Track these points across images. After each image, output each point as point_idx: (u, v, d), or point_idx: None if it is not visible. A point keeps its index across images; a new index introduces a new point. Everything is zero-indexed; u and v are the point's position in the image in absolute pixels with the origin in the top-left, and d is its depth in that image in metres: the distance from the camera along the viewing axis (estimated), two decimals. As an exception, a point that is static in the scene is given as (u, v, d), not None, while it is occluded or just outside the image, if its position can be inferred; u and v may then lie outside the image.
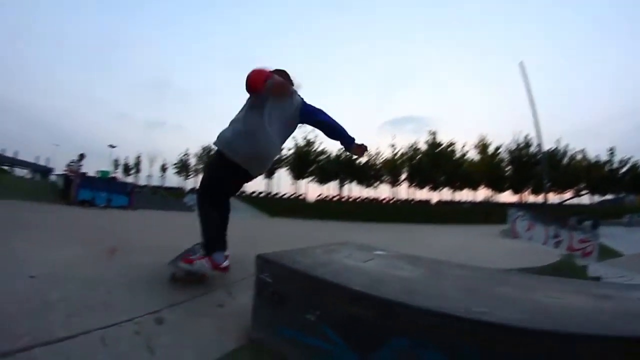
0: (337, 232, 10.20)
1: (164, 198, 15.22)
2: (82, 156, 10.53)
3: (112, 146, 31.12)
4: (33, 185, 13.98)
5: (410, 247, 5.72)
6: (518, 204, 26.25)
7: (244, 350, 1.63)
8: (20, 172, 29.78)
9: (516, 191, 33.59)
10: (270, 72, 1.72)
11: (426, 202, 31.42)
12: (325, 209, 18.88)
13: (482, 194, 35.53)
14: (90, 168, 13.41)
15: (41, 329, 1.72)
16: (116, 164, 40.57)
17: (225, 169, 1.92)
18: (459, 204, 31.93)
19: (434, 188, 31.57)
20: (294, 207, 18.81)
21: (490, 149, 32.63)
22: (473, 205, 30.20)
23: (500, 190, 33.70)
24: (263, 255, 1.96)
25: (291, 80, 1.90)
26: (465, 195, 34.63)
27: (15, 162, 30.40)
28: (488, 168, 30.99)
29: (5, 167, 26.12)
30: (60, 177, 11.90)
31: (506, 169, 32.11)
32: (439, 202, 31.65)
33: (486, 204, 29.93)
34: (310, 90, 2.07)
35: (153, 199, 15.63)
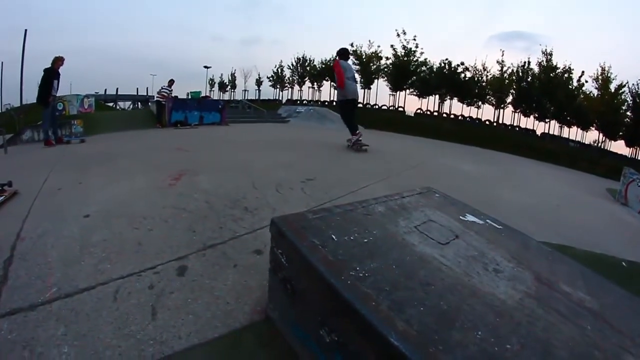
0: (431, 153, 9.01)
1: (257, 110, 17.10)
2: (171, 82, 12.38)
3: (206, 67, 38.60)
4: (132, 114, 17.51)
5: (509, 189, 5.32)
6: (634, 161, 22.63)
7: (252, 330, 1.17)
8: (123, 105, 39.66)
9: (631, 143, 28.37)
10: (340, 69, 5.97)
11: (530, 132, 28.83)
12: (423, 125, 17.64)
13: (591, 136, 33.84)
14: (188, 89, 15.76)
15: (69, 278, 1.85)
16: (212, 82, 46.24)
17: (349, 102, 6.08)
18: (566, 141, 28.69)
19: (541, 118, 29.90)
20: (391, 119, 18.35)
21: (612, 86, 28.31)
22: (580, 146, 26.85)
23: (613, 137, 29.24)
24: (278, 221, 1.34)
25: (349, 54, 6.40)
26: (573, 133, 32.02)
27: (117, 98, 37.78)
28: (607, 108, 27.48)
29: (110, 104, 33.83)
30: (153, 104, 13.59)
31: (626, 115, 27.87)
32: (544, 135, 28.89)
33: (595, 149, 26.67)
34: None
35: (247, 113, 17.24)
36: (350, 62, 6.62)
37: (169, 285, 1.76)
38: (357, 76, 7.15)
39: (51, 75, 6.44)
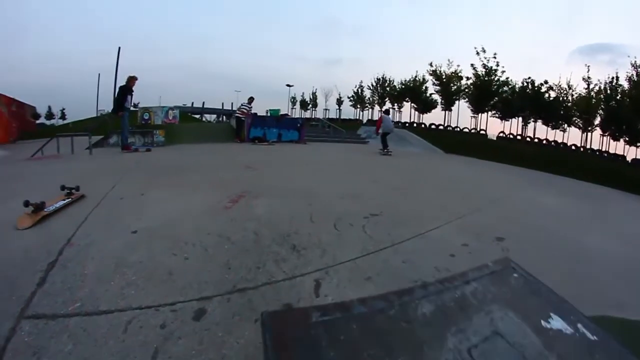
0: (514, 183, 8.39)
1: (336, 130, 18.60)
2: (251, 99, 14.06)
3: (289, 85, 46.38)
4: (213, 127, 20.21)
5: (599, 234, 4.55)
6: None
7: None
8: (209, 118, 48.70)
9: None
10: (380, 122, 13.06)
11: (620, 158, 28.46)
12: (505, 149, 17.43)
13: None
14: (268, 106, 18.27)
15: (94, 297, 2.12)
16: (293, 101, 54.68)
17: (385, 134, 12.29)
18: (661, 171, 24.65)
19: (632, 142, 29.48)
20: (472, 143, 18.25)
21: None
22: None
23: None
24: (267, 319, 1.27)
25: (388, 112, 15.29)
26: (670, 160, 28.17)
27: (204, 111, 48.42)
28: None
29: (196, 116, 41.32)
30: (232, 119, 16.17)
31: None
32: (636, 161, 27.40)
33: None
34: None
35: (327, 132, 19.31)
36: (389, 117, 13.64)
37: (181, 329, 1.82)
38: (392, 125, 12.97)
39: (125, 91, 8.56)
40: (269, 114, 17.13)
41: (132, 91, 8.92)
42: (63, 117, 56.35)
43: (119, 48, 14.97)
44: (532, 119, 36.05)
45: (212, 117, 49.31)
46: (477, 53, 33.88)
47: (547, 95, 33.62)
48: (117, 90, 8.97)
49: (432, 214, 4.10)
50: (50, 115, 56.25)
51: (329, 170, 7.31)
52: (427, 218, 3.89)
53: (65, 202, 3.85)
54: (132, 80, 8.92)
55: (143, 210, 3.76)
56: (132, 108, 9.42)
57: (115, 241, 2.92)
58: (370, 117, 45.90)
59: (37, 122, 26.82)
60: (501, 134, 30.12)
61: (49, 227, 3.24)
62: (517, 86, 34.96)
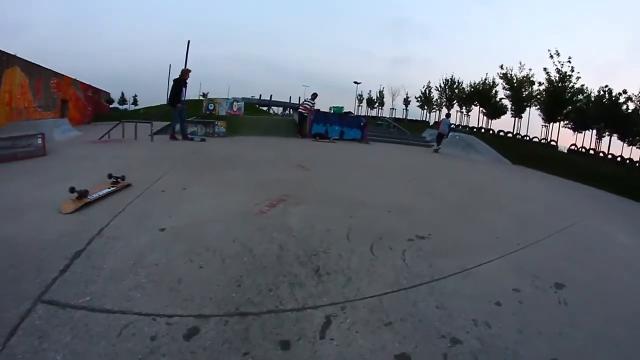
0: (585, 208, 7.43)
1: (401, 131, 20.13)
2: (314, 95, 15.00)
3: (356, 82, 50.43)
4: (276, 121, 20.58)
5: None
6: None
7: None
8: (276, 110, 53.49)
9: None
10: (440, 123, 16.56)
11: None
12: (576, 165, 16.44)
13: None
14: (335, 102, 19.67)
15: (103, 293, 2.41)
16: (360, 98, 61.93)
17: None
18: None
19: None
20: (541, 155, 17.62)
21: None
22: None
23: None
24: None
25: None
26: None
27: (271, 103, 54.55)
28: None
29: (264, 108, 43.38)
30: (295, 114, 17.58)
31: None
32: None
33: None
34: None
35: (391, 132, 20.21)
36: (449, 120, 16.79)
37: (168, 345, 1.97)
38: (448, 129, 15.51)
39: (180, 84, 9.72)
40: (332, 111, 18.11)
41: (186, 84, 10.05)
42: (135, 102, 64.42)
43: (189, 41, 16.77)
44: (607, 133, 36.23)
45: (279, 110, 53.28)
46: (551, 56, 34.43)
47: (625, 106, 33.46)
48: (172, 82, 10.11)
49: (485, 242, 3.91)
50: (123, 100, 64.80)
51: (383, 176, 7.34)
52: (479, 247, 3.70)
53: (109, 190, 4.38)
54: (185, 73, 10.10)
55: (178, 206, 4.13)
56: (185, 98, 10.48)
57: (141, 238, 3.25)
58: (437, 119, 47.24)
59: (111, 106, 30.98)
60: (573, 147, 29.94)
61: (88, 214, 3.73)
62: (592, 95, 35.31)
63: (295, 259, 3.08)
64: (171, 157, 7.22)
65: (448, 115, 17.78)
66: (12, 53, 13.10)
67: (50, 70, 16.11)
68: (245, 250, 3.16)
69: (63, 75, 17.41)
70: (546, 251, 3.93)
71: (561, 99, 35.26)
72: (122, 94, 65.65)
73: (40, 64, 15.14)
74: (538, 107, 38.58)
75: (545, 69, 35.39)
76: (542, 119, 38.68)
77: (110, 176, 4.69)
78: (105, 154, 7.41)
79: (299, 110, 15.55)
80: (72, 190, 3.95)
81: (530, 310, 2.59)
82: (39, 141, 7.01)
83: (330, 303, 2.49)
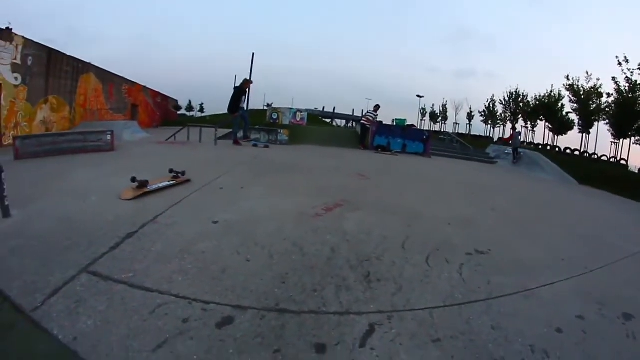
0: None
1: (464, 146, 20.02)
2: (377, 107, 15.31)
3: (419, 96, 51.13)
4: (338, 132, 22.72)
5: None
6: None
7: None
8: (338, 122, 54.91)
9: None
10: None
11: None
12: None
13: None
14: (397, 116, 19.94)
15: (146, 273, 2.56)
16: (423, 112, 61.67)
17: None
18: None
19: None
20: (610, 175, 16.28)
21: None
22: None
23: None
24: None
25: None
26: None
27: (334, 115, 56.73)
28: None
29: (327, 120, 44.87)
30: (357, 126, 17.85)
31: None
32: None
33: None
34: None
35: (454, 147, 20.09)
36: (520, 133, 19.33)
37: (198, 330, 1.99)
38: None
39: (240, 93, 10.66)
40: (395, 123, 18.52)
41: (247, 93, 11.01)
42: (202, 110, 69.70)
43: (253, 53, 18.02)
44: None
45: (341, 122, 55.06)
46: (619, 63, 32.41)
47: None
48: (233, 91, 10.95)
49: (549, 262, 3.63)
50: (190, 107, 70.24)
51: (444, 189, 7.18)
52: (542, 268, 3.44)
53: (168, 183, 4.65)
54: (246, 83, 11.05)
55: (235, 203, 4.29)
56: (249, 107, 11.33)
57: (193, 227, 3.41)
58: (501, 135, 46.45)
59: (179, 113, 33.75)
60: None
61: (146, 203, 3.99)
62: None
63: (346, 262, 3.01)
64: (232, 160, 7.53)
65: (519, 132, 19.06)
66: (87, 61, 14.88)
67: (122, 77, 18.08)
68: (296, 249, 3.15)
69: (134, 82, 19.40)
70: (616, 277, 3.53)
71: (631, 111, 33.15)
72: (190, 101, 71.60)
73: (114, 72, 16.99)
74: (607, 121, 36.39)
75: (613, 78, 33.32)
76: (612, 134, 36.26)
77: (171, 171, 4.97)
78: (169, 152, 7.97)
79: (362, 122, 15.84)
80: (133, 179, 4.25)
81: (594, 341, 2.33)
82: (108, 137, 7.72)
83: (376, 311, 2.38)
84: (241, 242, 3.18)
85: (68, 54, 13.47)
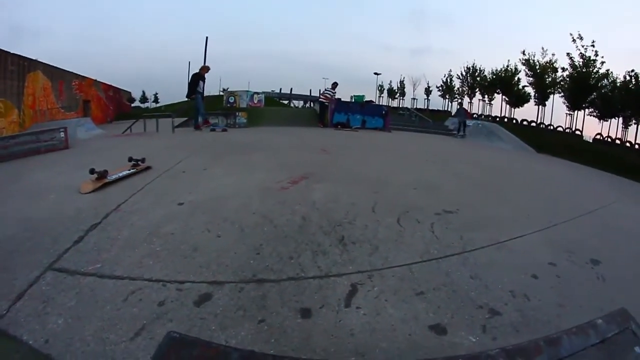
0: (611, 193, 6.95)
1: (423, 120, 20.56)
2: (335, 84, 14.86)
3: (376, 73, 51.56)
4: (296, 112, 22.71)
5: None
6: None
7: None
8: (297, 103, 54.29)
9: None
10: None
11: None
12: (602, 154, 16.28)
13: None
14: (355, 94, 20.55)
15: (115, 261, 2.33)
16: (381, 89, 62.41)
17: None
18: None
19: None
20: (566, 144, 17.65)
21: None
22: None
23: None
24: (167, 345, 1.05)
25: None
26: None
27: (291, 97, 53.85)
28: None
29: (285, 102, 44.59)
30: (316, 104, 17.74)
31: None
32: None
33: None
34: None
35: (413, 121, 20.31)
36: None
37: (176, 311, 1.84)
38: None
39: (197, 78, 10.26)
40: (353, 100, 17.97)
41: (204, 78, 10.50)
42: (156, 100, 66.14)
43: (207, 37, 16.97)
44: (634, 121, 34.49)
45: (299, 103, 53.86)
46: (574, 40, 33.50)
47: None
48: (190, 76, 10.59)
49: (515, 219, 3.71)
50: (144, 99, 66.41)
51: (407, 159, 7.21)
52: (509, 223, 3.52)
53: (128, 172, 4.32)
54: (203, 69, 10.63)
55: (199, 184, 4.04)
56: (205, 94, 11.02)
57: (158, 211, 3.17)
58: (459, 109, 47.90)
59: (132, 105, 31.86)
60: (598, 136, 29.16)
61: (107, 193, 3.68)
62: (618, 81, 33.55)
63: (318, 229, 2.92)
64: (192, 145, 7.16)
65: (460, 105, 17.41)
66: (34, 58, 13.51)
67: (71, 72, 16.64)
68: (266, 221, 3.01)
69: (84, 76, 17.92)
70: (579, 230, 3.69)
71: (585, 85, 34.24)
72: (143, 92, 67.40)
73: (62, 67, 15.59)
74: (562, 94, 37.47)
75: (568, 53, 34.38)
76: (567, 106, 37.58)
77: (130, 159, 4.63)
78: (126, 144, 7.47)
79: (320, 99, 15.41)
80: (91, 171, 3.91)
81: (568, 284, 2.41)
82: (62, 135, 7.09)
83: (356, 271, 2.32)
84: (209, 220, 3.00)
85: (12, 51, 12.14)
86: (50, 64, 14.66)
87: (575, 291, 2.31)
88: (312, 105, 43.16)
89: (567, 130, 32.58)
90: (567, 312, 2.06)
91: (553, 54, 36.95)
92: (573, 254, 2.91)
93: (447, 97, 52.00)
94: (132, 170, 4.39)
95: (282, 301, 1.98)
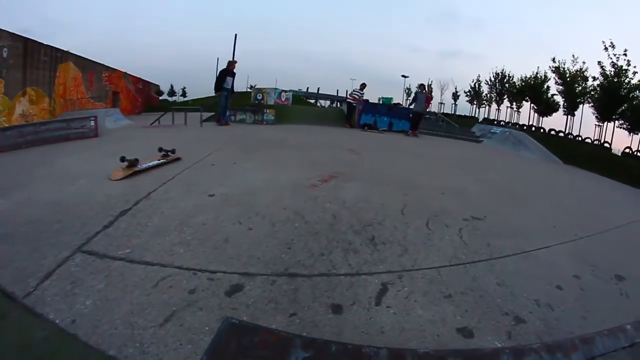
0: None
1: (449, 125, 20.03)
2: (363, 85, 14.90)
3: (404, 76, 51.84)
4: (324, 111, 22.78)
5: None
6: None
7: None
8: (323, 103, 54.72)
9: None
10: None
11: None
12: (629, 167, 15.09)
13: None
14: (383, 95, 19.42)
15: (145, 247, 2.35)
16: (408, 92, 60.33)
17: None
18: None
19: None
20: (594, 156, 16.65)
21: None
22: None
23: None
24: (226, 330, 1.02)
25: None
26: None
27: (318, 96, 54.56)
28: None
29: (311, 101, 44.88)
30: (343, 104, 18.32)
31: None
32: None
33: None
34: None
35: (439, 126, 20.01)
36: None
37: (207, 300, 1.82)
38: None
39: (225, 74, 10.42)
40: (381, 102, 18.01)
41: (234, 73, 10.64)
42: (184, 94, 67.46)
43: (235, 35, 17.26)
44: None
45: (326, 103, 54.10)
46: (605, 48, 32.62)
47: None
48: (218, 72, 10.71)
49: (541, 229, 3.68)
50: (172, 92, 67.98)
51: (434, 163, 7.16)
52: (535, 233, 3.48)
53: (158, 162, 4.39)
54: (231, 64, 10.73)
55: (229, 177, 4.09)
56: (235, 90, 11.25)
57: (189, 201, 3.20)
58: (486, 115, 47.34)
59: (160, 98, 32.65)
60: (627, 150, 28.17)
61: (137, 182, 3.74)
62: None
63: (349, 228, 2.89)
64: (221, 139, 7.25)
65: (422, 87, 14.83)
66: (66, 49, 14.05)
67: (101, 64, 17.19)
68: (297, 217, 2.99)
69: (114, 69, 18.51)
70: (605, 244, 3.63)
71: (616, 96, 33.26)
72: (172, 86, 69.07)
73: (92, 59, 16.14)
74: (592, 104, 36.57)
75: (599, 62, 33.31)
76: (596, 117, 36.52)
77: (160, 149, 4.70)
78: (155, 135, 7.63)
79: (348, 100, 15.51)
80: (122, 159, 3.99)
81: (592, 297, 2.40)
82: (92, 123, 7.32)
83: (386, 271, 2.32)
84: (241, 213, 3.00)
85: (45, 43, 12.71)
86: (82, 55, 15.24)
87: (598, 305, 2.30)
88: (338, 105, 43.29)
89: (596, 142, 31.53)
90: (589, 324, 2.03)
91: (584, 62, 36.36)
92: (597, 268, 2.88)
93: (475, 103, 51.87)
94: (162, 161, 4.47)
95: (314, 296, 1.96)
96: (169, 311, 1.70)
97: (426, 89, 13.75)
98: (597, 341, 1.33)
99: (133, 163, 4.05)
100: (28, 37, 11.56)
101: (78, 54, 14.95)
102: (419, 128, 14.61)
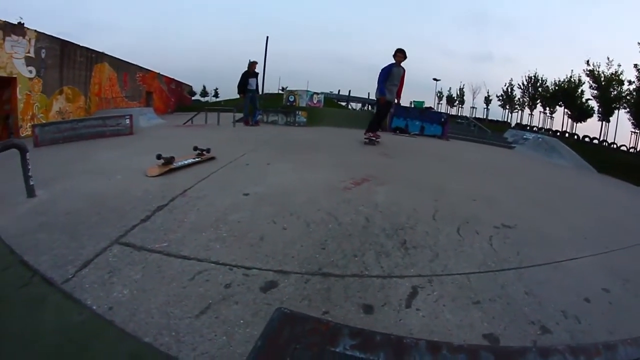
0: None
1: (481, 130, 19.99)
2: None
3: (435, 79, 50.50)
4: (355, 114, 23.99)
5: None
6: None
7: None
8: (354, 106, 54.83)
9: None
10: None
11: None
12: None
13: None
14: (412, 99, 19.11)
15: (181, 242, 2.44)
16: (439, 95, 61.85)
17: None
18: None
19: None
20: (629, 165, 16.65)
21: None
22: None
23: None
24: (278, 319, 1.10)
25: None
26: None
27: (350, 99, 54.76)
28: None
29: (342, 103, 46.32)
30: (375, 107, 17.52)
31: None
32: None
33: None
34: None
35: (471, 131, 20.00)
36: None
37: (242, 294, 1.87)
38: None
39: (246, 76, 10.57)
40: (412, 106, 18.39)
41: (256, 74, 10.75)
42: (216, 95, 69.26)
43: (267, 37, 17.68)
44: None
45: (357, 106, 54.26)
46: None
47: None
48: (241, 75, 10.82)
49: (571, 240, 3.61)
50: (204, 93, 69.89)
51: (466, 169, 7.07)
52: (565, 244, 3.43)
53: (194, 160, 4.55)
54: (252, 65, 10.81)
55: (263, 177, 4.18)
56: (260, 91, 11.62)
57: (224, 199, 3.30)
58: (519, 121, 47.03)
59: (193, 98, 33.63)
60: None
61: (173, 179, 3.89)
62: None
63: (381, 231, 2.91)
64: (254, 140, 7.41)
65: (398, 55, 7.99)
66: (101, 50, 14.88)
67: (135, 65, 18.04)
68: (331, 219, 3.02)
69: (148, 69, 19.33)
70: (636, 259, 3.51)
71: None
72: (204, 87, 71.12)
73: (127, 60, 16.96)
74: (627, 109, 35.60)
75: (635, 65, 32.47)
76: (632, 123, 35.46)
77: (195, 148, 4.86)
78: (189, 134, 7.89)
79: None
80: (158, 157, 4.15)
81: (620, 312, 2.38)
82: (127, 121, 7.64)
83: (417, 275, 2.36)
84: (276, 212, 3.06)
85: (81, 44, 13.45)
86: (117, 56, 16.08)
87: (626, 320, 2.26)
88: (369, 108, 43.27)
89: (632, 150, 31.14)
90: (616, 339, 1.93)
91: (619, 65, 35.27)
92: (628, 282, 2.80)
93: (507, 107, 51.31)
94: (197, 159, 4.62)
95: (346, 296, 2.00)
96: (205, 304, 1.77)
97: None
98: (620, 348, 1.34)
99: (169, 160, 4.21)
100: (65, 39, 12.33)
101: (113, 55, 15.76)
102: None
